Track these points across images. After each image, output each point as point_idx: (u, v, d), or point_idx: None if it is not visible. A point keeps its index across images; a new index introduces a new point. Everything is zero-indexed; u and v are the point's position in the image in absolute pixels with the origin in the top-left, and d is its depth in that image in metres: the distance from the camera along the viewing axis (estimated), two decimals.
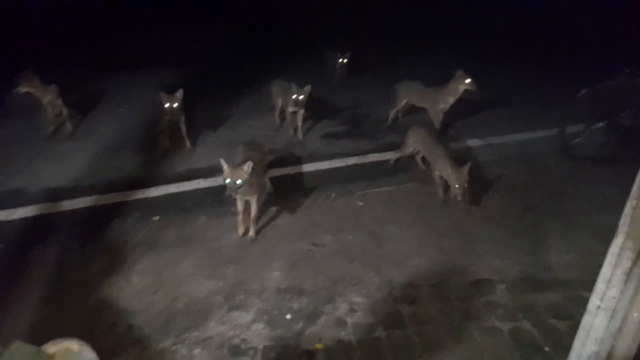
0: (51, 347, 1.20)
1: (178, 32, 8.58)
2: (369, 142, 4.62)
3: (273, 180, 3.78)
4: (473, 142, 4.67)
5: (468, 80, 4.33)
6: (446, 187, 3.53)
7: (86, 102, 5.27)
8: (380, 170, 3.89)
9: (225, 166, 2.74)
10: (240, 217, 3.08)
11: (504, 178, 3.92)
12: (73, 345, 1.24)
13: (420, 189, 3.81)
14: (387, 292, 2.62)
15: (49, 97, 4.34)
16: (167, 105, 4.01)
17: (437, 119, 4.62)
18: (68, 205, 3.45)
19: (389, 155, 4.18)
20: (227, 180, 2.72)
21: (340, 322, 2.39)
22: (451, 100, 4.47)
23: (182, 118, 4.17)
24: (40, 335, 2.22)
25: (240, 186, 2.73)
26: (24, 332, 2.30)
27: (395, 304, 2.55)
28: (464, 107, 4.55)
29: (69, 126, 4.57)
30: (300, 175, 3.99)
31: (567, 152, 4.34)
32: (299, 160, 4.23)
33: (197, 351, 2.16)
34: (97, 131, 4.72)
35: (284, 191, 3.64)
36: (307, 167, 4.08)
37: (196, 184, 3.75)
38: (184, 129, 4.25)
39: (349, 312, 2.46)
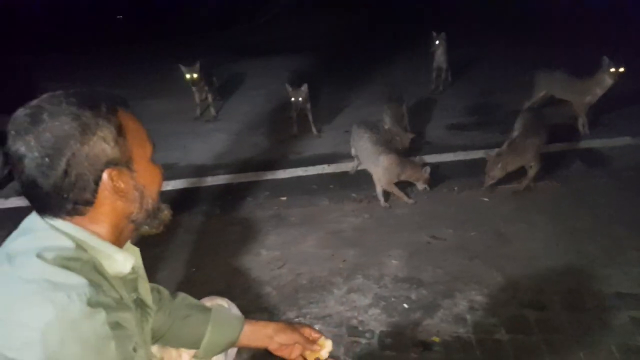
0: (207, 302, 1.36)
1: (310, 20, 8.87)
2: (500, 135, 4.33)
3: None
4: (623, 141, 4.13)
5: (616, 70, 3.80)
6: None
7: (227, 86, 5.77)
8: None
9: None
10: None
11: None
12: (224, 302, 1.39)
13: (558, 187, 3.50)
14: (511, 295, 2.46)
15: (197, 80, 4.71)
16: (292, 99, 4.21)
17: (582, 113, 4.16)
18: (210, 180, 3.82)
19: None
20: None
21: (459, 319, 2.32)
22: (599, 92, 3.99)
23: (308, 106, 4.34)
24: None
25: None
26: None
27: (521, 307, 2.38)
28: (614, 99, 4.02)
29: (212, 110, 5.02)
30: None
31: None
32: (420, 151, 4.14)
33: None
34: (237, 113, 5.13)
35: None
36: (429, 158, 3.97)
37: (320, 169, 3.89)
38: (310, 117, 4.42)
39: (469, 310, 2.37)
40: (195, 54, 5.40)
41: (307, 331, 1.35)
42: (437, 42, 5.18)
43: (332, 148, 4.19)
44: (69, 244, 0.87)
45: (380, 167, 3.27)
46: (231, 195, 3.58)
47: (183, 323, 1.23)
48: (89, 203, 0.89)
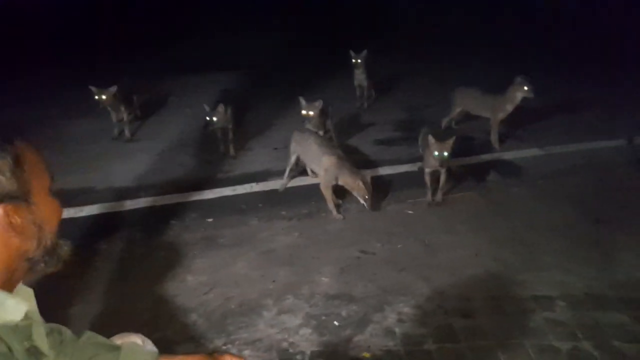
0: (118, 339, 1.26)
1: (246, 37, 8.82)
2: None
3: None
4: (533, 152, 4.47)
5: (526, 88, 4.13)
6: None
7: (154, 103, 5.55)
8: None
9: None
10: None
11: (569, 189, 3.72)
12: (137, 338, 1.29)
13: (476, 197, 3.69)
14: (437, 304, 2.54)
15: (109, 101, 4.52)
16: (207, 118, 4.12)
17: (495, 128, 4.44)
18: (130, 204, 3.62)
19: None
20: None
21: (389, 332, 2.34)
22: (509, 108, 4.29)
23: (229, 126, 4.29)
24: (107, 323, 2.37)
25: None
26: (92, 321, 2.43)
27: (447, 316, 2.46)
28: (522, 114, 4.35)
29: (126, 132, 4.77)
30: None
31: (637, 164, 4.04)
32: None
33: (246, 352, 2.19)
34: (162, 132, 4.92)
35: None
36: None
37: (249, 187, 3.83)
38: (230, 136, 4.35)
39: (398, 322, 2.41)
40: (123, 71, 5.18)
41: (227, 358, 1.29)
42: (356, 60, 5.24)
43: (261, 166, 4.15)
44: None
45: (321, 168, 3.36)
46: (154, 219, 3.41)
47: None
48: None
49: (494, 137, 4.49)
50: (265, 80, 6.38)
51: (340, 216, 3.38)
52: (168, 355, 1.23)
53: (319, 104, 3.93)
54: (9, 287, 0.87)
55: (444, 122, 4.84)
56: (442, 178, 3.55)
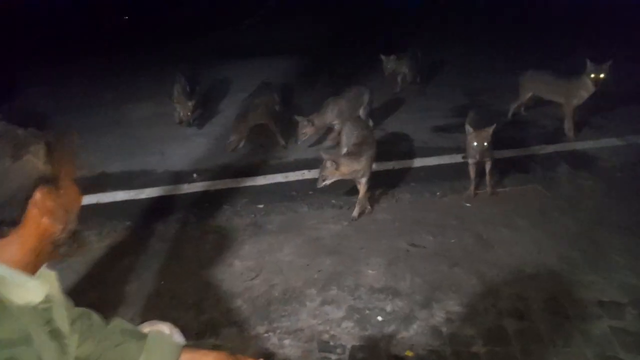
0: (146, 327, 1.30)
1: (295, 23, 8.82)
2: None
3: (376, 174, 3.71)
4: (611, 142, 4.11)
5: (596, 75, 3.76)
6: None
7: (211, 90, 5.70)
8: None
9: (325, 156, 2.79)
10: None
11: None
12: (165, 327, 1.32)
13: (542, 191, 3.46)
14: (490, 303, 2.41)
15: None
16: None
17: (569, 115, 4.11)
18: (187, 188, 3.75)
19: (506, 153, 3.85)
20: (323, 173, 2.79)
21: (435, 331, 2.26)
22: (584, 94, 3.94)
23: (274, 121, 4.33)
24: (158, 303, 2.49)
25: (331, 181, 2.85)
26: (145, 300, 2.56)
27: (500, 317, 2.33)
28: (599, 100, 3.99)
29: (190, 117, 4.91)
30: (404, 170, 3.85)
31: None
32: (404, 154, 4.09)
33: (287, 341, 2.21)
34: (219, 118, 5.04)
35: (387, 186, 3.54)
36: (413, 162, 3.93)
37: (301, 174, 3.83)
38: (276, 128, 4.34)
39: (446, 321, 2.31)
40: (179, 59, 5.36)
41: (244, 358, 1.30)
42: (387, 65, 5.26)
43: (314, 153, 4.12)
44: None
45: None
46: (208, 203, 3.51)
47: (115, 351, 1.16)
48: (15, 224, 0.87)
49: (568, 125, 4.16)
50: (313, 67, 6.33)
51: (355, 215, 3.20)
52: (192, 348, 1.25)
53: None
54: (32, 269, 0.92)
55: (512, 108, 4.56)
56: (488, 169, 3.36)
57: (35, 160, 0.88)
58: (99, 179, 3.96)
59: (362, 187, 3.16)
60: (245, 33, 8.35)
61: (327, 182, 3.04)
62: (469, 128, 3.18)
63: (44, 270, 0.98)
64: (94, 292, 2.58)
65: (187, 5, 10.13)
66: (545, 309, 2.36)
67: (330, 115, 4.03)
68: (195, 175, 3.85)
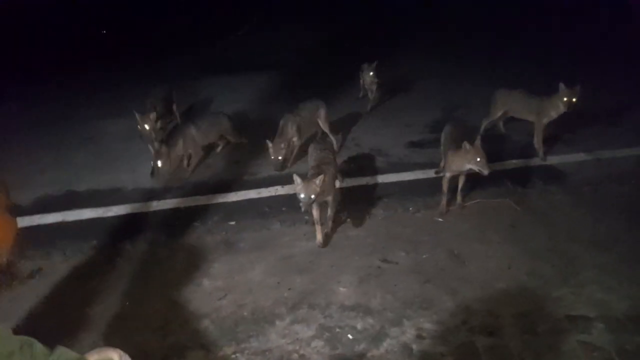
0: (94, 355, 1.24)
1: (282, 36, 8.84)
2: None
3: (350, 190, 3.72)
4: (580, 157, 4.20)
5: (569, 99, 3.86)
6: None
7: (192, 106, 5.66)
8: (467, 184, 3.62)
9: (298, 181, 2.73)
10: (317, 226, 3.05)
11: (616, 198, 3.46)
12: (115, 354, 1.27)
13: (514, 205, 3.49)
14: (461, 320, 2.40)
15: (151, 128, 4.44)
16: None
17: (539, 131, 4.19)
18: (157, 205, 3.68)
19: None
20: (302, 196, 2.72)
21: (406, 348, 2.24)
22: (554, 114, 4.03)
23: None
24: (122, 326, 2.41)
25: (314, 200, 2.74)
26: (108, 323, 2.48)
27: (471, 334, 2.33)
28: (568, 117, 4.08)
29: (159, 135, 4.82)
30: (378, 185, 3.86)
31: None
32: (378, 170, 4.11)
33: None
34: None
35: (360, 202, 3.54)
36: (387, 178, 3.95)
37: (274, 190, 3.80)
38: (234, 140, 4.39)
39: (417, 338, 2.30)
40: (162, 75, 5.30)
41: None
42: (369, 72, 5.22)
43: (288, 168, 4.11)
44: None
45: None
46: (179, 221, 3.45)
47: None
48: None
49: (538, 144, 4.23)
50: (298, 81, 6.35)
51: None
52: None
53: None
54: None
55: (484, 125, 4.63)
56: (462, 181, 3.42)
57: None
58: (65, 197, 3.87)
59: (330, 205, 3.13)
60: (228, 48, 8.33)
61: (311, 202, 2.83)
62: (467, 145, 3.08)
63: None
64: (53, 316, 2.49)
65: (170, 20, 10.06)
66: (515, 325, 2.37)
67: (291, 131, 4.05)
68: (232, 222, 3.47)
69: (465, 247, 3.03)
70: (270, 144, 3.91)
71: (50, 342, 1.16)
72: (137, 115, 4.26)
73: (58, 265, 2.96)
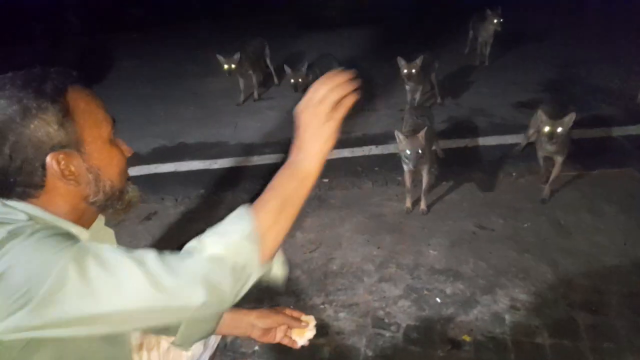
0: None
1: None
2: (577, 114, 3.94)
3: (447, 152, 3.58)
4: None
5: None
6: None
7: (289, 61, 5.76)
8: (582, 149, 3.29)
9: (400, 137, 2.68)
10: (408, 193, 3.01)
11: None
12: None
13: (634, 175, 3.13)
14: (561, 294, 2.26)
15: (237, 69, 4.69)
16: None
17: None
18: (257, 160, 3.88)
19: (592, 133, 3.53)
20: (407, 152, 2.66)
21: (497, 318, 2.17)
22: None
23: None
24: None
25: (422, 155, 2.67)
26: None
27: (571, 309, 2.19)
28: None
29: (255, 94, 5.02)
30: (478, 148, 3.67)
31: None
32: (479, 131, 3.89)
33: (342, 314, 2.24)
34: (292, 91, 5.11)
35: (457, 165, 3.41)
36: (488, 140, 3.73)
37: (367, 150, 3.79)
38: None
39: (510, 309, 2.21)
40: (261, 33, 5.44)
41: (288, 311, 1.36)
42: (493, 20, 4.75)
43: (383, 128, 4.06)
44: (22, 216, 0.87)
45: None
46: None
47: None
48: (40, 187, 0.89)
49: None
50: (392, 38, 6.12)
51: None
52: (234, 309, 1.25)
53: (419, 60, 3.84)
54: (82, 224, 0.96)
55: None
56: (558, 163, 2.91)
57: (47, 128, 0.85)
58: (177, 148, 4.23)
59: (424, 176, 2.96)
60: (326, 5, 8.26)
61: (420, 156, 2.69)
62: (542, 115, 2.75)
63: (103, 228, 1.05)
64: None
65: None
66: (624, 304, 2.18)
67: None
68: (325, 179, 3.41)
69: (572, 217, 2.81)
70: (402, 60, 3.89)
71: None
72: (219, 57, 4.55)
73: (170, 210, 3.29)
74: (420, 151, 2.65)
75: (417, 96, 4.11)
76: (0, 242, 0.78)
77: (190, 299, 0.82)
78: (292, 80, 4.30)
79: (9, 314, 0.74)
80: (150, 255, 0.83)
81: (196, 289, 0.82)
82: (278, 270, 0.99)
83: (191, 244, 0.89)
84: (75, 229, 0.93)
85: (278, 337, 1.35)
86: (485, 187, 3.17)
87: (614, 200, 2.91)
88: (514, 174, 3.27)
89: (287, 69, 4.28)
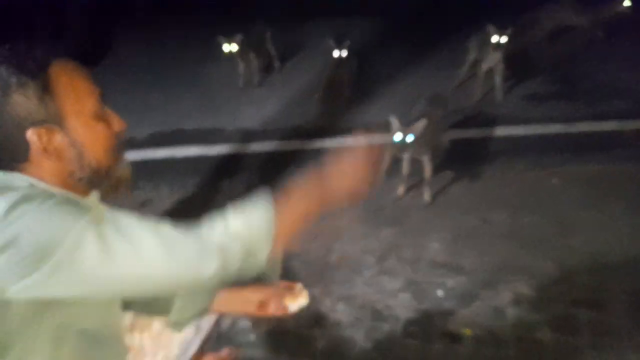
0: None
1: None
2: (583, 108, 3.98)
3: (453, 142, 3.60)
4: None
5: None
6: None
7: (293, 50, 5.77)
8: (590, 144, 3.33)
9: (395, 124, 2.74)
10: (403, 182, 3.06)
11: None
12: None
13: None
14: (562, 290, 2.31)
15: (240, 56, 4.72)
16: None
17: None
18: (255, 147, 3.91)
19: (606, 126, 3.56)
20: (395, 138, 2.73)
21: (498, 312, 2.23)
22: None
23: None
24: None
25: (409, 144, 2.72)
26: None
27: (573, 305, 2.24)
28: None
29: (255, 79, 5.03)
30: (485, 139, 3.70)
31: None
32: (488, 122, 3.91)
33: (340, 306, 2.29)
34: (294, 78, 5.11)
35: (463, 156, 3.44)
36: (497, 131, 3.76)
37: (368, 141, 3.81)
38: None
39: (511, 303, 2.26)
40: (260, 17, 5.43)
41: (282, 284, 1.36)
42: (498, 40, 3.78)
43: (384, 116, 4.07)
44: (23, 183, 0.90)
45: None
46: (275, 164, 3.64)
47: None
48: (25, 161, 0.92)
49: None
50: (406, 28, 6.10)
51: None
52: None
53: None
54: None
55: None
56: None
57: (27, 103, 0.87)
58: (175, 134, 4.25)
59: (425, 167, 3.01)
60: None
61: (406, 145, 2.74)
62: None
63: (94, 202, 1.07)
64: None
65: None
66: (627, 302, 2.23)
67: None
68: None
69: (577, 213, 2.85)
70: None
71: None
72: (220, 37, 4.55)
73: (165, 200, 3.33)
74: (409, 139, 2.72)
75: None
76: (15, 204, 0.82)
77: (205, 266, 0.87)
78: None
79: (26, 274, 0.78)
80: (166, 223, 0.90)
81: (212, 258, 0.87)
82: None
83: (214, 216, 0.94)
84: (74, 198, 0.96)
85: (273, 307, 1.35)
86: (490, 180, 3.20)
87: (624, 197, 2.95)
88: (520, 168, 3.30)
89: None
